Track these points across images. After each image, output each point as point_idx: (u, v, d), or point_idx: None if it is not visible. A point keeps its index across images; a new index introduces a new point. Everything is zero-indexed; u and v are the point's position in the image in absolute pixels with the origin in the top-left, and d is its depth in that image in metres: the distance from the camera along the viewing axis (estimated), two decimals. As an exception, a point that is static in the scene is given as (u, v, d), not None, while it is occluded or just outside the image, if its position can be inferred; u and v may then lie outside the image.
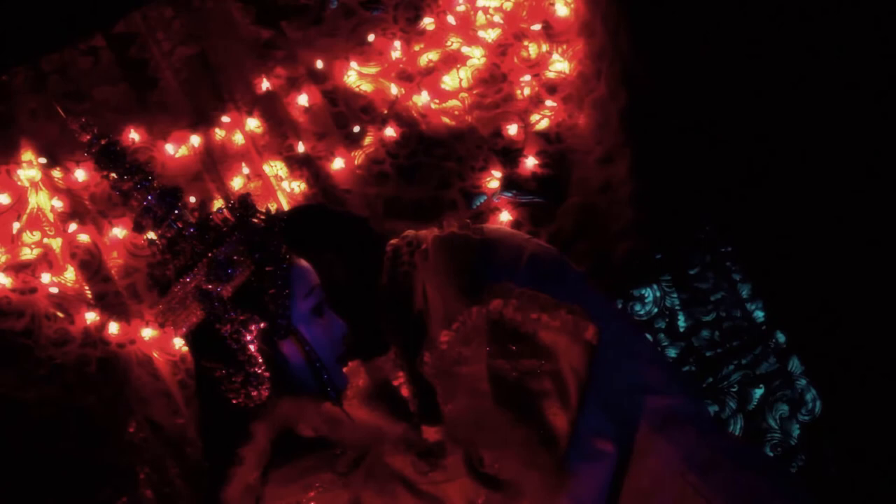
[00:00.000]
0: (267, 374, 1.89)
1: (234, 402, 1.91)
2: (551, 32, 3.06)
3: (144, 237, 2.01)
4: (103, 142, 1.96)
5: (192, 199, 2.95)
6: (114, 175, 1.96)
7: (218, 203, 2.92)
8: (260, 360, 1.89)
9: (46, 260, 2.92)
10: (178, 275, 1.92)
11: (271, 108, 3.03)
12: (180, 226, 1.93)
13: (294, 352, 1.95)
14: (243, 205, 1.96)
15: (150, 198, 1.95)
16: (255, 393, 1.90)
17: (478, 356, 1.82)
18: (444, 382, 1.86)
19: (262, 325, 1.89)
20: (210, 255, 1.90)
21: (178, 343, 2.93)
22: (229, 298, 1.88)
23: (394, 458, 1.77)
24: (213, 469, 1.93)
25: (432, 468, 1.74)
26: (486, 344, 1.83)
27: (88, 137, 1.96)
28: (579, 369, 1.77)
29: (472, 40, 3.06)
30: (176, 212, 1.95)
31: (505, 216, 2.99)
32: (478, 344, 1.84)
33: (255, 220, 1.95)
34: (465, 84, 3.06)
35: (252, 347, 1.88)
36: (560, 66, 3.07)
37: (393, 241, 2.16)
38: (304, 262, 1.99)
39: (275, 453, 1.85)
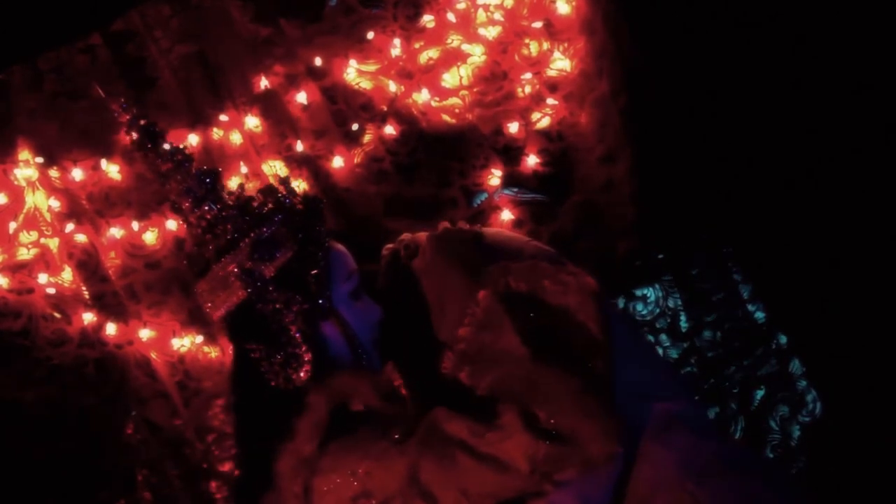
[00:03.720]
0: (307, 355, 1.94)
1: (272, 383, 1.95)
2: (552, 30, 3.10)
3: (181, 219, 2.04)
4: (143, 122, 2.03)
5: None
6: (153, 156, 2.02)
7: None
8: (300, 342, 1.93)
9: (43, 260, 2.97)
10: (219, 255, 1.97)
11: (270, 107, 3.07)
12: (219, 206, 1.98)
13: (334, 333, 2.00)
14: (286, 186, 2.03)
15: (189, 179, 2.01)
16: (294, 375, 1.95)
17: (503, 332, 1.87)
18: (472, 368, 1.90)
19: (303, 305, 1.93)
20: (253, 235, 1.94)
21: (177, 344, 2.99)
22: (272, 279, 1.92)
23: (450, 424, 1.80)
24: (257, 447, 1.97)
25: (489, 429, 1.77)
26: (507, 317, 1.87)
27: (128, 118, 2.04)
28: (596, 316, 1.86)
29: (473, 38, 3.10)
30: (215, 192, 2.01)
31: (506, 214, 3.05)
32: (497, 323, 1.88)
33: (296, 202, 2.01)
34: (465, 82, 3.10)
35: (293, 328, 1.93)
36: (561, 63, 3.11)
37: (389, 246, 2.18)
38: (342, 247, 2.05)
39: (332, 425, 1.88)
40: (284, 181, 2.06)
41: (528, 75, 3.09)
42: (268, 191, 2.03)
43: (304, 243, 1.95)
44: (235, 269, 1.93)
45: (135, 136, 2.02)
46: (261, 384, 1.97)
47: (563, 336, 1.85)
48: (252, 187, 2.96)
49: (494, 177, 3.07)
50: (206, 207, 1.99)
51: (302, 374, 1.95)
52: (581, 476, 1.74)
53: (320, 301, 1.96)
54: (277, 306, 1.92)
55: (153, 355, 2.97)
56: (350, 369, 2.00)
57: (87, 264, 2.98)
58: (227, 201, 2.01)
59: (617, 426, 1.76)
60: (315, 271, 1.96)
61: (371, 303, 2.07)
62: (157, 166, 2.02)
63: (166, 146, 2.03)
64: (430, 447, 1.79)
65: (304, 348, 1.94)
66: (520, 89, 3.09)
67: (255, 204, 2.02)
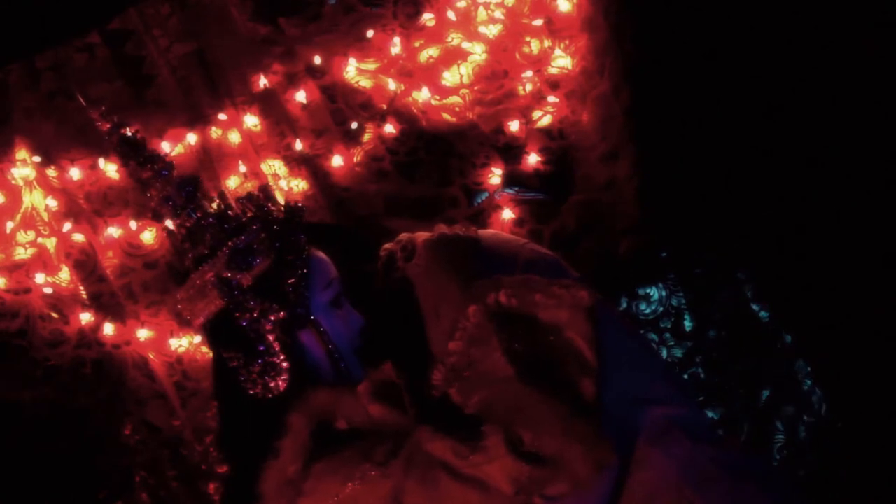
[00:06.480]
0: (285, 364, 1.93)
1: (250, 392, 1.94)
2: (553, 28, 3.08)
3: (162, 227, 2.04)
4: (123, 130, 2.03)
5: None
6: (133, 164, 2.01)
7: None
8: (278, 350, 1.93)
9: (41, 260, 2.95)
10: (197, 263, 1.96)
11: (269, 106, 3.06)
12: (199, 215, 1.98)
13: (313, 342, 1.99)
14: (265, 194, 2.02)
15: (169, 187, 2.00)
16: (272, 383, 1.94)
17: (491, 350, 1.85)
18: (462, 385, 1.88)
19: (280, 314, 1.93)
20: (230, 243, 1.94)
21: (175, 344, 2.97)
22: (249, 287, 1.92)
23: (433, 445, 1.78)
24: (242, 463, 1.98)
25: (473, 451, 1.75)
26: (495, 335, 1.85)
27: (109, 126, 2.03)
28: (588, 334, 1.83)
29: (473, 36, 3.08)
30: (195, 201, 1.99)
31: (507, 213, 3.03)
32: (486, 340, 1.86)
33: (276, 211, 2.00)
34: (465, 80, 3.08)
35: (271, 337, 1.92)
36: (563, 61, 3.09)
37: (387, 246, 2.15)
38: (322, 254, 2.03)
39: (315, 446, 1.88)
40: (265, 189, 2.04)
41: (529, 73, 3.06)
42: (248, 199, 2.01)
43: (281, 252, 1.94)
44: (213, 278, 1.91)
45: (115, 144, 2.01)
46: (242, 392, 1.94)
47: (553, 355, 1.82)
48: (251, 187, 2.95)
49: (495, 175, 3.05)
50: (186, 215, 1.98)
51: (280, 383, 1.93)
52: (573, 490, 1.71)
53: (298, 310, 1.94)
54: (255, 315, 1.90)
55: (151, 355, 2.94)
56: (330, 385, 1.97)
57: (85, 264, 2.96)
58: (208, 209, 1.99)
59: (604, 448, 1.73)
60: (293, 280, 1.94)
61: (353, 311, 2.04)
62: (138, 174, 2.01)
63: (147, 154, 2.01)
64: (414, 469, 1.77)
65: (281, 357, 1.93)
66: (521, 87, 3.07)
67: (235, 212, 2.01)
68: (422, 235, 2.12)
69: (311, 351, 1.98)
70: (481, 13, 3.06)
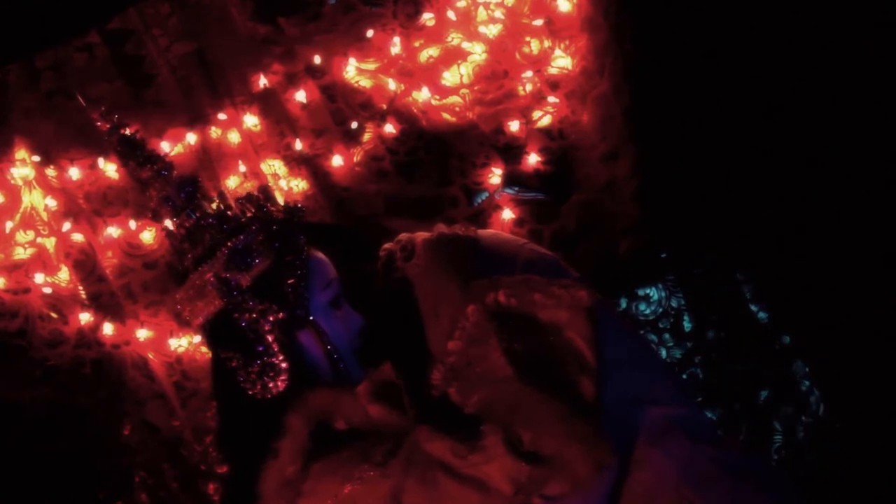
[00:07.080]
0: (284, 364, 1.93)
1: (249, 392, 1.94)
2: (554, 28, 3.08)
3: (161, 227, 2.03)
4: (123, 130, 2.03)
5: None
6: (133, 163, 2.01)
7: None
8: (277, 351, 1.92)
9: (40, 260, 2.94)
10: (197, 264, 1.96)
11: (269, 106, 3.06)
12: (198, 215, 1.97)
13: (312, 343, 1.98)
14: (265, 195, 2.02)
15: (168, 187, 2.00)
16: (271, 384, 1.93)
17: (490, 349, 1.84)
18: (461, 384, 1.87)
19: (280, 315, 1.92)
20: (230, 244, 1.94)
21: (174, 344, 2.96)
22: (248, 288, 1.91)
23: (432, 445, 1.78)
24: (242, 463, 1.97)
25: (472, 451, 1.74)
26: (495, 335, 1.84)
27: (109, 126, 2.03)
28: (587, 334, 1.82)
29: (473, 36, 3.08)
30: (194, 201, 1.99)
31: (507, 213, 3.03)
32: (485, 339, 1.86)
33: (275, 211, 2.00)
34: (466, 80, 3.08)
35: (270, 338, 1.92)
36: (563, 62, 3.09)
37: (386, 246, 2.15)
38: (321, 255, 2.02)
39: (314, 446, 1.87)
40: (264, 189, 2.04)
41: (529, 73, 3.06)
42: (247, 199, 2.01)
43: (281, 252, 1.93)
44: (212, 278, 1.91)
45: (115, 143, 2.00)
46: (241, 392, 1.94)
47: (553, 355, 1.82)
48: (249, 186, 2.95)
49: (495, 175, 3.04)
50: (185, 216, 1.97)
51: (279, 384, 1.92)
52: (572, 490, 1.70)
53: (297, 310, 1.94)
54: (254, 315, 1.90)
55: (150, 355, 2.93)
56: (329, 385, 1.97)
57: (84, 264, 2.95)
58: (207, 209, 1.99)
59: (604, 448, 1.72)
60: (292, 280, 1.93)
61: (352, 311, 2.04)
62: (137, 174, 2.01)
63: (146, 154, 2.01)
64: (413, 469, 1.76)
65: (280, 357, 1.92)
66: (521, 87, 3.07)
67: (234, 213, 2.01)
68: (421, 235, 2.11)
69: (311, 351, 1.97)
70: (481, 13, 3.05)
